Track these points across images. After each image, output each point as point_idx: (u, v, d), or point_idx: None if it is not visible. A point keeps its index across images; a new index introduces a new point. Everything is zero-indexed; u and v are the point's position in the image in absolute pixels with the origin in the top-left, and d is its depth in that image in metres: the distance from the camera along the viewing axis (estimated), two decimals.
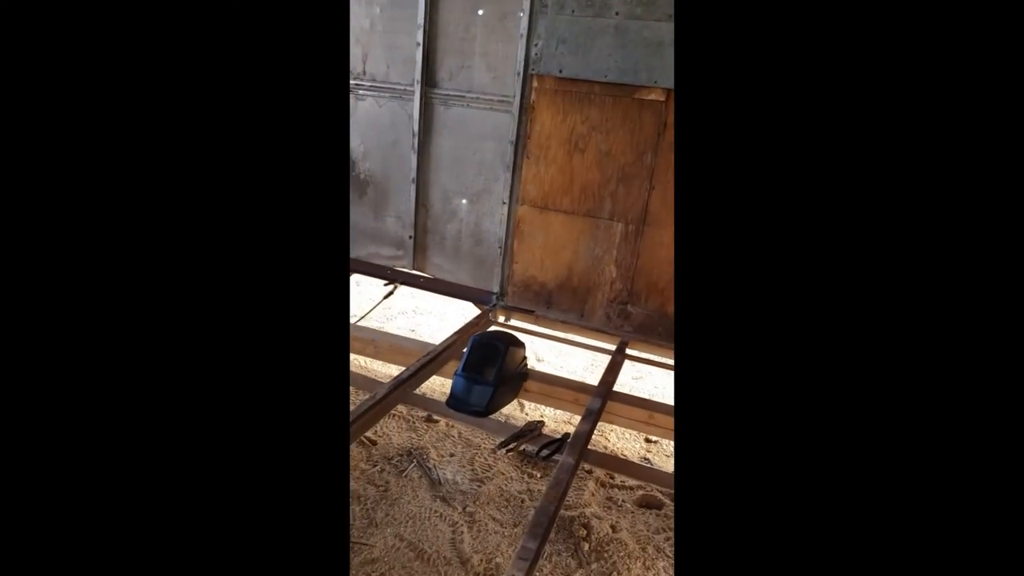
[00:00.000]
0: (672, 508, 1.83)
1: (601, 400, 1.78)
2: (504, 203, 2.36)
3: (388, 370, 2.44)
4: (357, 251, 2.75)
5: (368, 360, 2.53)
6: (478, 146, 2.36)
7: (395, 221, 2.62)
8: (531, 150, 2.22)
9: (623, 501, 1.89)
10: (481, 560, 1.56)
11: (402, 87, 2.42)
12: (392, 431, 2.10)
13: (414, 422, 2.17)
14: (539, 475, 1.95)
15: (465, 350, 1.97)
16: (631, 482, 1.96)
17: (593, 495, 1.89)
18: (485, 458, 2.01)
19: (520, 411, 2.36)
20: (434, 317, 3.22)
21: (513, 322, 2.44)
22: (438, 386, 2.37)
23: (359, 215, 2.70)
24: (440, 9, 2.28)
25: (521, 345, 2.04)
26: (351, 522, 1.65)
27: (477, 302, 2.52)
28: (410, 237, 2.60)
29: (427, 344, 2.19)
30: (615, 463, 1.90)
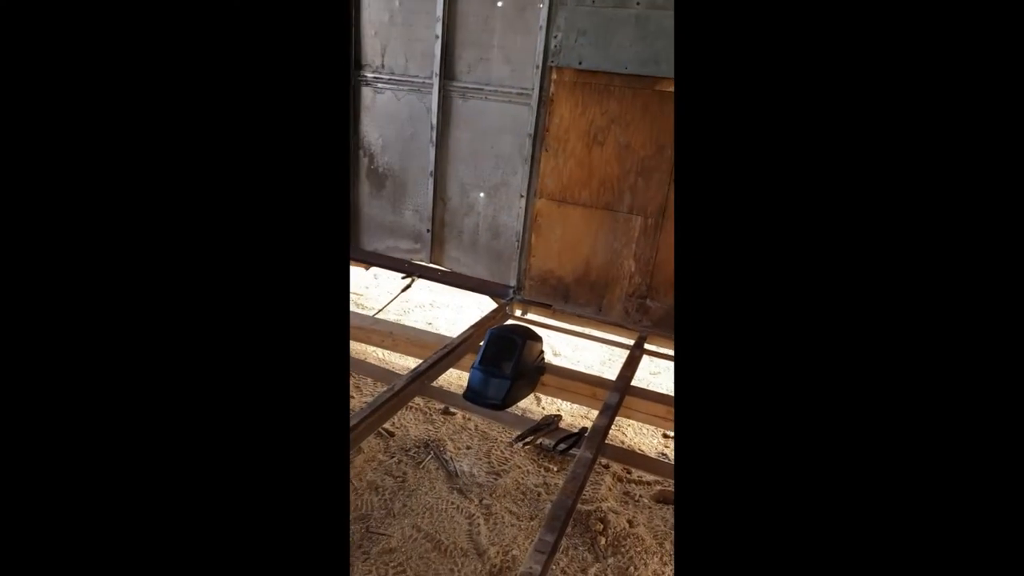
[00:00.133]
0: None
1: (619, 395, 1.77)
2: (522, 196, 2.35)
3: (405, 362, 2.45)
4: (375, 244, 2.76)
5: (386, 352, 2.55)
6: (496, 139, 2.36)
7: (413, 214, 2.63)
8: (549, 143, 2.21)
9: (640, 496, 1.88)
10: (498, 552, 1.56)
11: (420, 80, 2.42)
12: (409, 423, 2.12)
13: (431, 414, 2.18)
14: (556, 469, 1.95)
15: (482, 343, 1.97)
16: (648, 477, 1.95)
17: (610, 490, 1.88)
18: (502, 451, 2.01)
19: (537, 405, 2.36)
20: (450, 311, 3.23)
21: (530, 316, 2.44)
22: (455, 379, 2.37)
23: (377, 208, 2.71)
24: (459, 1, 2.27)
25: (538, 339, 2.03)
26: (369, 511, 1.66)
27: (494, 296, 2.52)
28: (428, 230, 2.60)
29: (444, 337, 2.19)
30: (632, 458, 1.89)
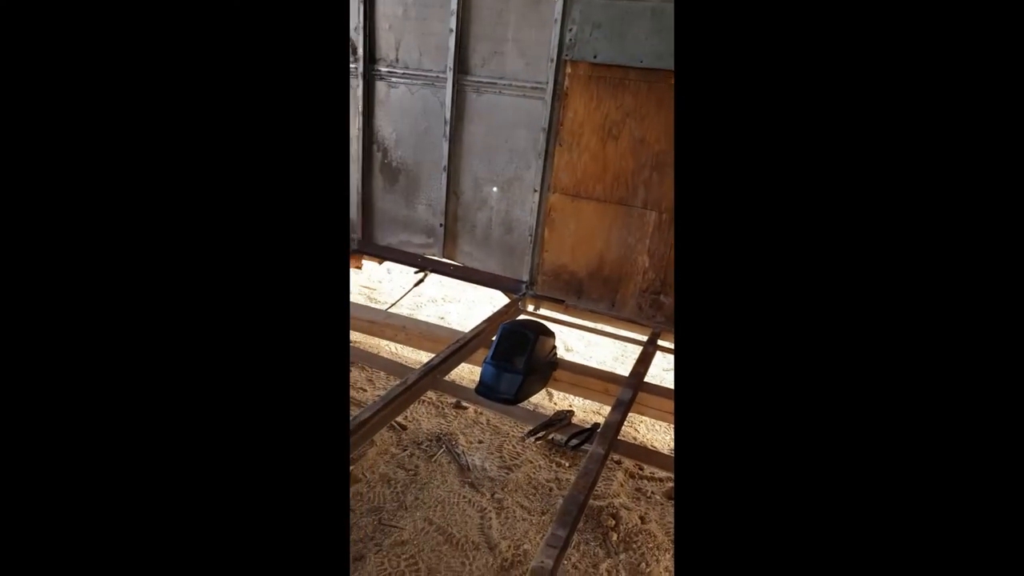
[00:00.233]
0: None
1: (632, 390, 1.76)
2: (535, 191, 2.34)
3: (418, 356, 2.46)
4: (388, 239, 2.77)
5: (399, 346, 2.56)
6: (510, 133, 2.35)
7: (426, 209, 2.64)
8: (564, 137, 2.20)
9: (652, 492, 1.87)
10: (509, 546, 1.56)
11: (434, 74, 2.42)
12: (422, 416, 2.13)
13: (443, 408, 2.19)
14: (567, 464, 1.94)
15: (494, 338, 1.97)
16: (660, 474, 1.94)
17: (622, 486, 1.87)
18: (513, 446, 2.01)
19: (549, 400, 2.36)
20: (462, 305, 3.23)
21: (542, 311, 2.43)
22: (467, 373, 2.38)
23: (390, 202, 2.72)
24: None
25: (551, 334, 2.03)
26: (381, 504, 1.67)
27: (506, 291, 2.52)
28: (440, 225, 2.60)
29: (456, 332, 2.20)
30: (645, 454, 1.89)
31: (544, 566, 1.08)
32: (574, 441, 1.83)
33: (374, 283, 3.35)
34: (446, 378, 1.91)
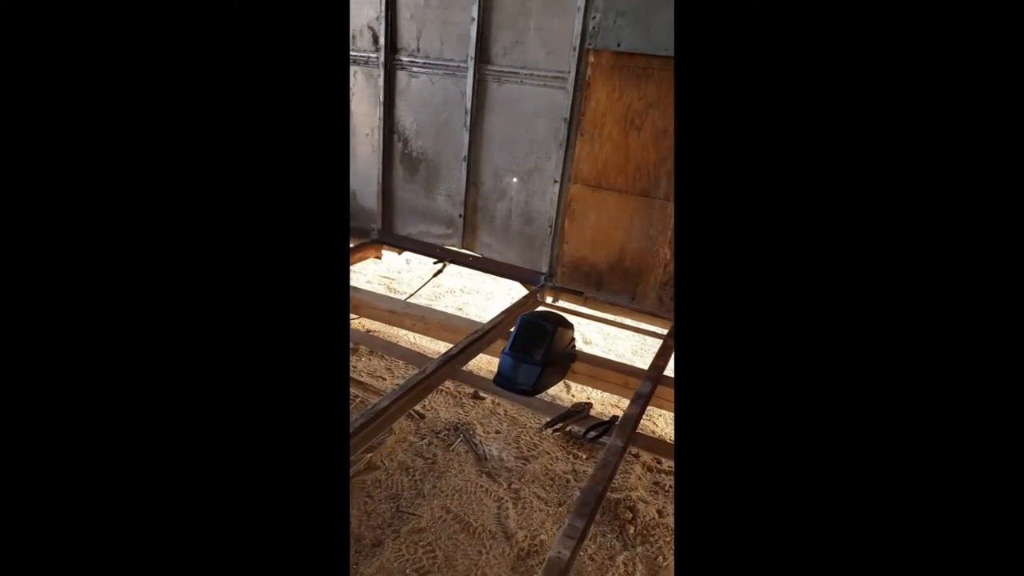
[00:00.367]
0: None
1: (651, 384, 1.75)
2: (556, 182, 2.32)
3: (436, 346, 2.47)
4: (408, 229, 2.78)
5: (417, 336, 2.57)
6: (531, 123, 2.33)
7: (445, 199, 2.64)
8: (585, 127, 2.17)
9: (670, 487, 1.86)
10: (526, 536, 1.57)
11: (455, 64, 2.41)
12: (440, 406, 2.14)
13: (461, 398, 2.20)
14: (585, 456, 1.94)
15: (513, 329, 1.97)
16: None
17: (640, 479, 1.86)
18: (531, 437, 2.01)
19: (567, 392, 2.35)
20: (480, 297, 3.23)
21: (561, 303, 2.42)
22: (485, 364, 2.38)
23: (410, 193, 2.72)
24: None
25: (570, 326, 2.02)
26: (400, 491, 1.69)
27: (525, 282, 2.52)
28: (460, 215, 2.60)
29: (475, 323, 2.20)
30: (663, 448, 1.87)
31: (561, 556, 1.08)
32: (592, 433, 1.83)
33: (393, 273, 3.37)
34: (464, 368, 1.91)
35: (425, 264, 2.85)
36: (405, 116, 2.62)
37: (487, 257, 2.62)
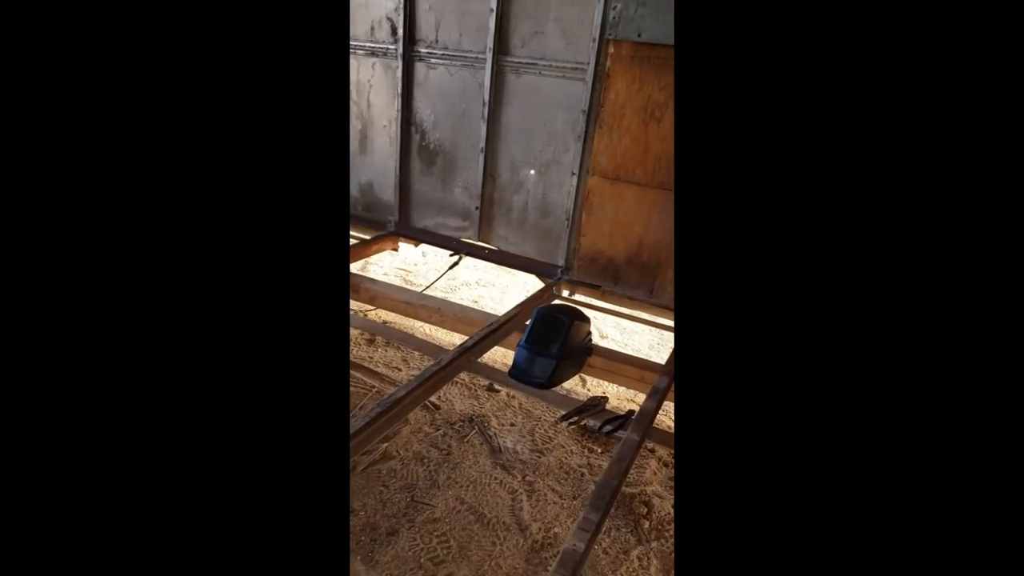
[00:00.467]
0: None
1: (668, 379, 1.73)
2: (573, 174, 2.30)
3: (451, 338, 2.47)
4: (424, 221, 2.78)
5: (433, 328, 2.58)
6: (549, 115, 2.31)
7: (462, 191, 2.63)
8: (604, 119, 2.15)
9: None
10: (540, 528, 1.57)
11: (474, 55, 2.39)
12: (455, 397, 2.14)
13: (476, 390, 2.20)
14: (600, 450, 1.93)
15: (529, 322, 1.96)
16: None
17: (655, 474, 1.85)
18: (545, 430, 2.01)
19: (582, 386, 2.34)
20: (496, 290, 3.23)
21: (577, 297, 2.41)
22: (500, 357, 2.38)
23: (427, 185, 2.72)
24: None
25: (586, 320, 2.01)
26: (415, 481, 1.70)
27: (541, 275, 2.50)
28: (476, 208, 2.60)
29: (490, 315, 2.20)
30: None
31: (576, 548, 1.08)
32: (607, 428, 1.82)
33: (409, 265, 3.38)
34: (479, 360, 1.91)
35: (441, 256, 2.85)
36: (423, 108, 2.62)
37: (503, 250, 2.61)
